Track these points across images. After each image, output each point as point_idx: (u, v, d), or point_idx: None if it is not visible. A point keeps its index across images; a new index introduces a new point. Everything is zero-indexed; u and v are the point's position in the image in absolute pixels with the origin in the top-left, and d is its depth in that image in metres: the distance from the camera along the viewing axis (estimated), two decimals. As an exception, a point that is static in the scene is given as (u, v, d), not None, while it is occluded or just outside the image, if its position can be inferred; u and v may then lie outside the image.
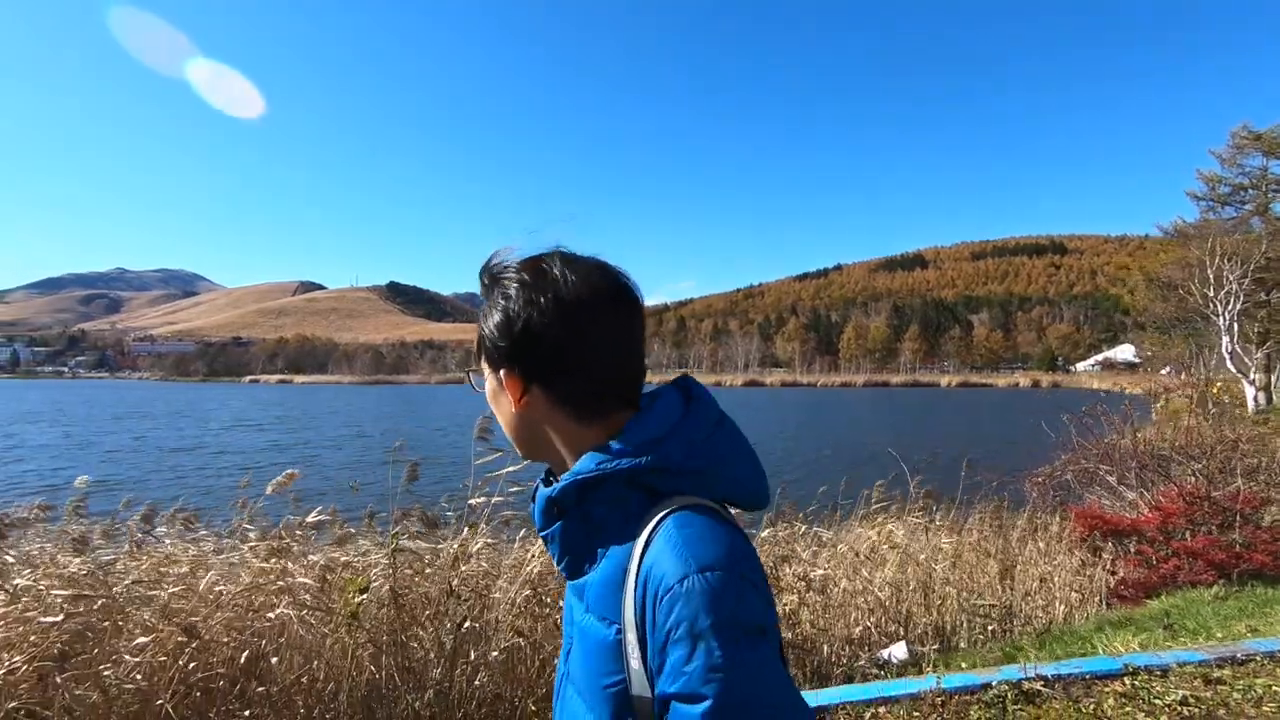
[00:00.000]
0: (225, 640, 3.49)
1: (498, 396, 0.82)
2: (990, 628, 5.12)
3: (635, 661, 0.68)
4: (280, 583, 3.71)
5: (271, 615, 3.64)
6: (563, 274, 0.76)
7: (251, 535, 4.36)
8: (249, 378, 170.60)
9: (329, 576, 3.82)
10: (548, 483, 0.81)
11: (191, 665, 3.40)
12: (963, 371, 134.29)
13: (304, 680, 3.51)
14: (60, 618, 3.37)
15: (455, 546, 3.63)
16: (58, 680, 3.24)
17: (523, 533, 4.09)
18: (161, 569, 3.91)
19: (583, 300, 0.75)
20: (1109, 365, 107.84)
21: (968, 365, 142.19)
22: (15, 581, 3.41)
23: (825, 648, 4.66)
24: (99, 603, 3.47)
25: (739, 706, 0.61)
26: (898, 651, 4.53)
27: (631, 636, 0.68)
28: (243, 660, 3.57)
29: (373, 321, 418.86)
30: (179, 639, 3.41)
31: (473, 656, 3.49)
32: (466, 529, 3.77)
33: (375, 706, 3.43)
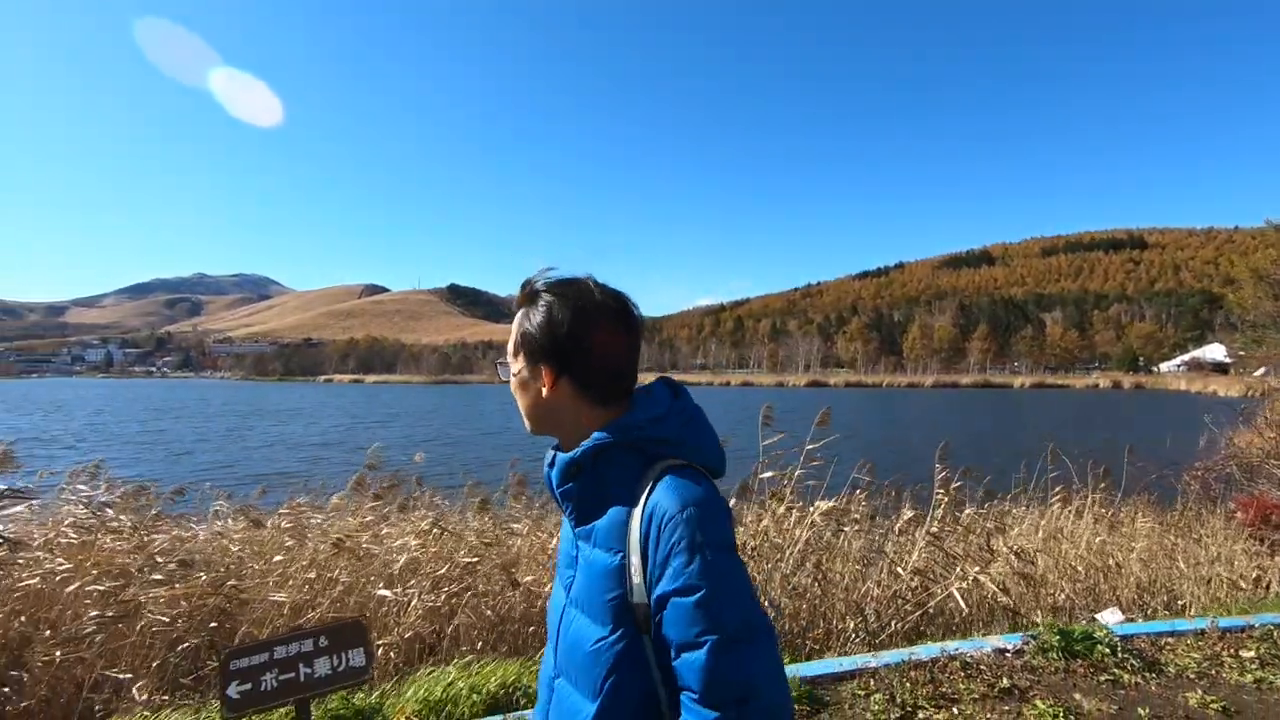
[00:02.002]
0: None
1: (527, 383, 1.06)
2: (1181, 602, 5.63)
3: (636, 577, 0.94)
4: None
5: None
6: (593, 292, 1.03)
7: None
8: (323, 377, 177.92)
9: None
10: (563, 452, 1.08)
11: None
12: (1036, 372, 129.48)
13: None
14: (475, 559, 4.33)
15: (778, 510, 4.43)
16: (458, 614, 4.18)
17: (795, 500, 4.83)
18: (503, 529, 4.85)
19: (606, 313, 1.03)
20: (1196, 366, 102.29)
21: (1041, 366, 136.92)
22: (421, 526, 4.37)
23: (1037, 613, 5.28)
24: (495, 549, 4.41)
25: (724, 592, 0.89)
26: (1111, 616, 5.10)
27: (635, 559, 0.95)
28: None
29: (434, 323, 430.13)
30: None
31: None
32: (769, 498, 4.57)
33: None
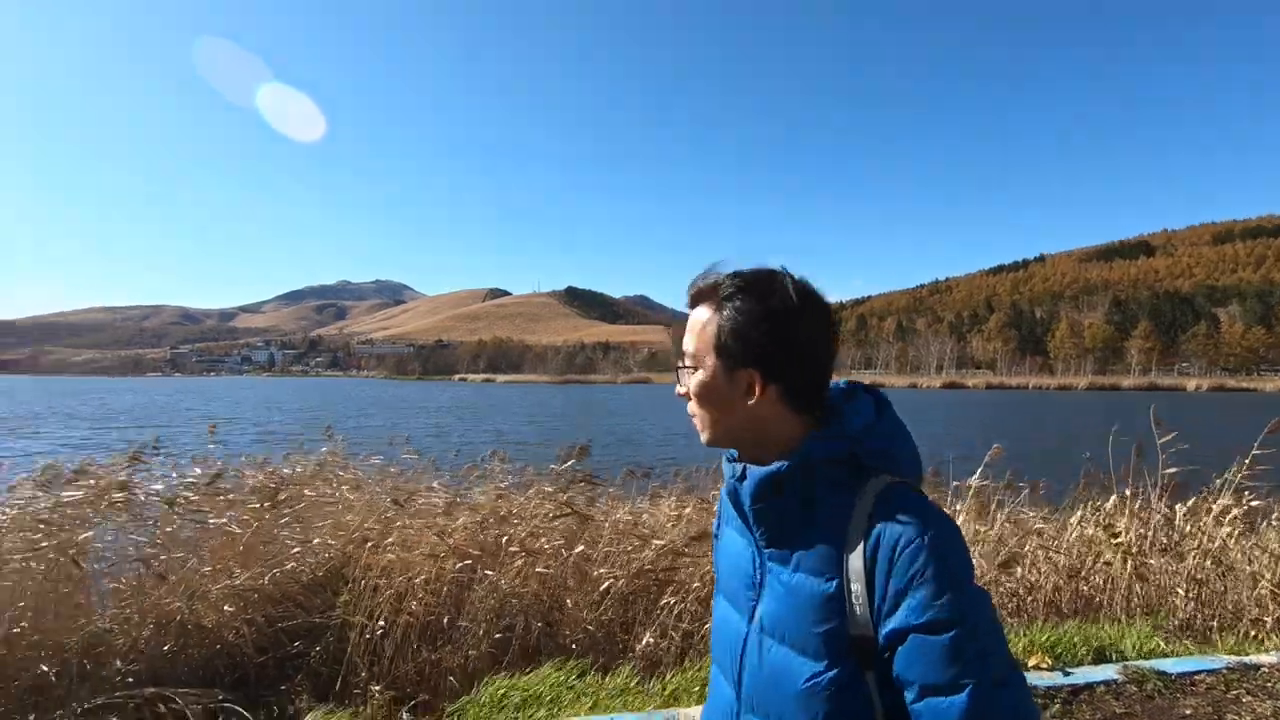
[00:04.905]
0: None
1: (719, 390, 0.93)
2: None
3: (860, 608, 0.84)
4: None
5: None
6: (793, 286, 0.91)
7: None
8: (457, 376, 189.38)
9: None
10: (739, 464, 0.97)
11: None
12: (1212, 374, 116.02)
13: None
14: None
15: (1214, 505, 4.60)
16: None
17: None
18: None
19: (812, 310, 0.90)
20: None
21: (1217, 367, 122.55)
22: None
23: None
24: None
25: (982, 631, 0.79)
26: None
27: (857, 586, 0.84)
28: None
29: (553, 324, 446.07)
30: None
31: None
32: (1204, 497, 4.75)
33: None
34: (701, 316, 0.94)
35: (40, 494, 3.83)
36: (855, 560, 0.84)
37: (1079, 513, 4.75)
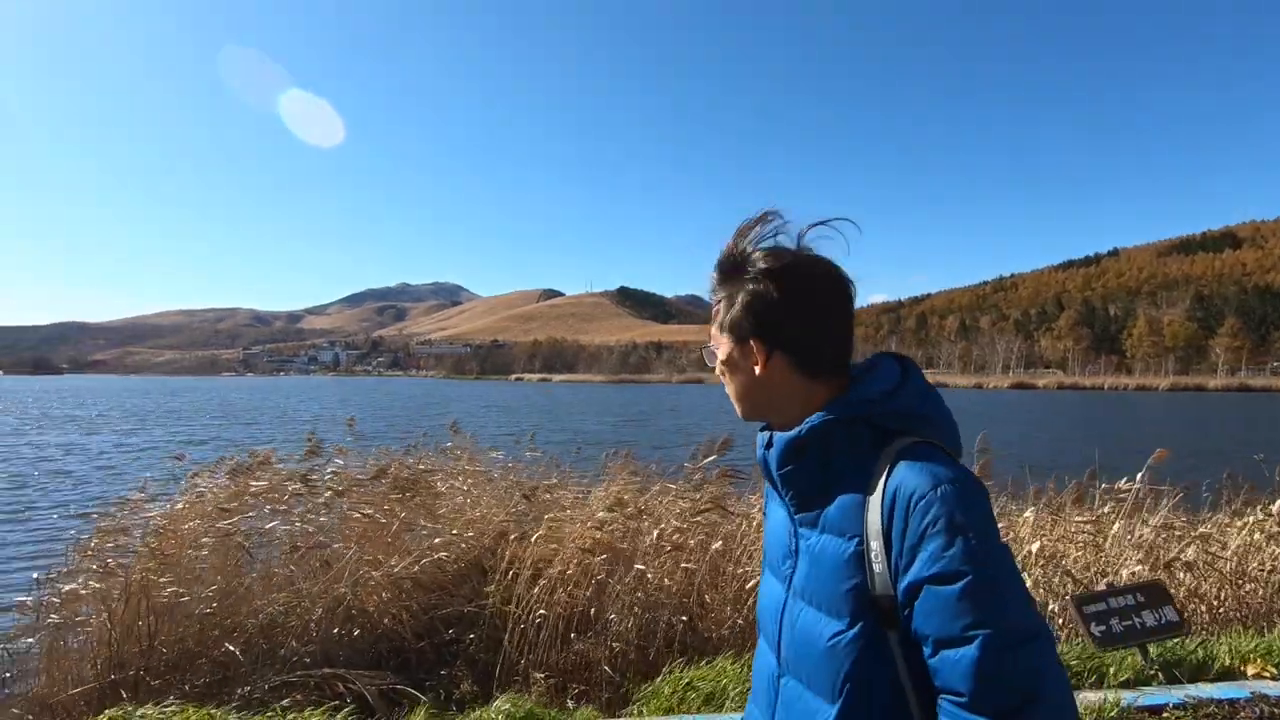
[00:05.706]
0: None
1: (736, 364, 0.98)
2: None
3: (879, 565, 0.84)
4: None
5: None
6: (803, 261, 0.94)
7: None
8: (514, 376, 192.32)
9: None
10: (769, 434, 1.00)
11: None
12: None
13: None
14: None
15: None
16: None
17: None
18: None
19: (820, 283, 0.93)
20: None
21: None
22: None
23: None
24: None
25: (995, 580, 0.77)
26: None
27: (875, 544, 0.84)
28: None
29: (605, 324, 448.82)
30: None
31: None
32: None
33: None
34: (717, 294, 0.99)
35: (219, 484, 4.06)
36: (874, 517, 0.85)
37: (1250, 517, 4.50)
